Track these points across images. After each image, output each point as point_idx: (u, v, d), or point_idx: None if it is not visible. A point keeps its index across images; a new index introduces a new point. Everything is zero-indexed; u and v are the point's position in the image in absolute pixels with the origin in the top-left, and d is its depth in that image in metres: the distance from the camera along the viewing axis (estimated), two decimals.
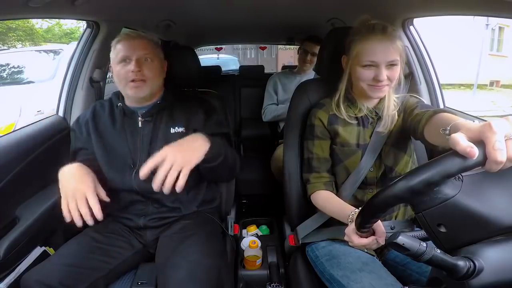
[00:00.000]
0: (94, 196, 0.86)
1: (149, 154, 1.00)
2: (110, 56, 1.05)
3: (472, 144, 0.44)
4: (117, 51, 1.02)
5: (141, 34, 1.06)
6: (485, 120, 0.49)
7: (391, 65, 0.88)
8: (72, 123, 1.09)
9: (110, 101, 1.11)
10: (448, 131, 0.58)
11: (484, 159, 0.45)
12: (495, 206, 0.50)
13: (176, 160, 0.80)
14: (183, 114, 1.07)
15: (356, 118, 0.98)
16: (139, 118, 1.05)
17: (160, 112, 1.06)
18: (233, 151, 1.05)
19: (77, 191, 0.85)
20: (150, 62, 1.02)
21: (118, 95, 1.10)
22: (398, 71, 0.89)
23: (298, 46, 2.32)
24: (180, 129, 1.04)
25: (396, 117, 0.96)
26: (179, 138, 0.95)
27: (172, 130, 1.04)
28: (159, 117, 1.06)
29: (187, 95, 1.19)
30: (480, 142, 0.45)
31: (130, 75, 0.99)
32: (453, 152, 0.46)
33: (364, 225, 0.64)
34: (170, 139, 0.99)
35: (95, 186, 0.89)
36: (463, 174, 0.50)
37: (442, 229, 0.51)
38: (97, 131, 1.05)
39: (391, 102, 0.95)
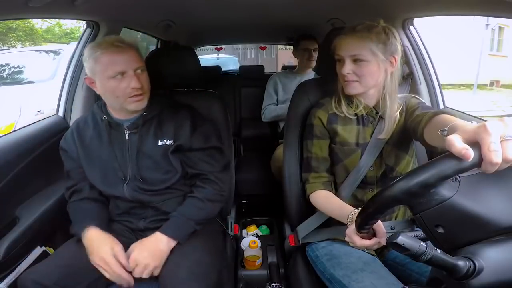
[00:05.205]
0: (114, 263, 0.89)
1: (137, 166, 1.00)
2: (91, 69, 0.94)
3: (467, 146, 0.44)
4: (105, 64, 0.92)
5: (129, 42, 0.97)
6: (485, 120, 0.49)
7: (356, 59, 0.89)
8: (61, 142, 1.04)
9: (92, 115, 1.05)
10: (446, 132, 0.58)
11: (479, 161, 0.44)
12: (492, 207, 0.50)
13: (148, 266, 0.89)
14: (171, 126, 1.02)
15: (356, 116, 0.99)
16: (125, 130, 1.01)
17: (146, 123, 1.01)
18: (212, 194, 1.02)
19: (100, 261, 0.90)
20: (143, 73, 0.98)
21: (101, 107, 1.04)
22: (368, 68, 0.89)
23: None
24: (168, 142, 1.01)
25: (398, 117, 0.96)
26: (167, 150, 0.99)
27: (160, 143, 1.01)
28: (145, 129, 1.01)
29: (175, 104, 1.11)
30: (475, 144, 0.45)
31: (130, 90, 0.94)
32: (448, 154, 0.46)
33: (363, 226, 0.64)
34: (158, 151, 1.00)
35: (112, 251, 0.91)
36: (460, 175, 0.50)
37: (440, 230, 0.51)
38: (84, 148, 1.02)
39: (393, 105, 0.94)
